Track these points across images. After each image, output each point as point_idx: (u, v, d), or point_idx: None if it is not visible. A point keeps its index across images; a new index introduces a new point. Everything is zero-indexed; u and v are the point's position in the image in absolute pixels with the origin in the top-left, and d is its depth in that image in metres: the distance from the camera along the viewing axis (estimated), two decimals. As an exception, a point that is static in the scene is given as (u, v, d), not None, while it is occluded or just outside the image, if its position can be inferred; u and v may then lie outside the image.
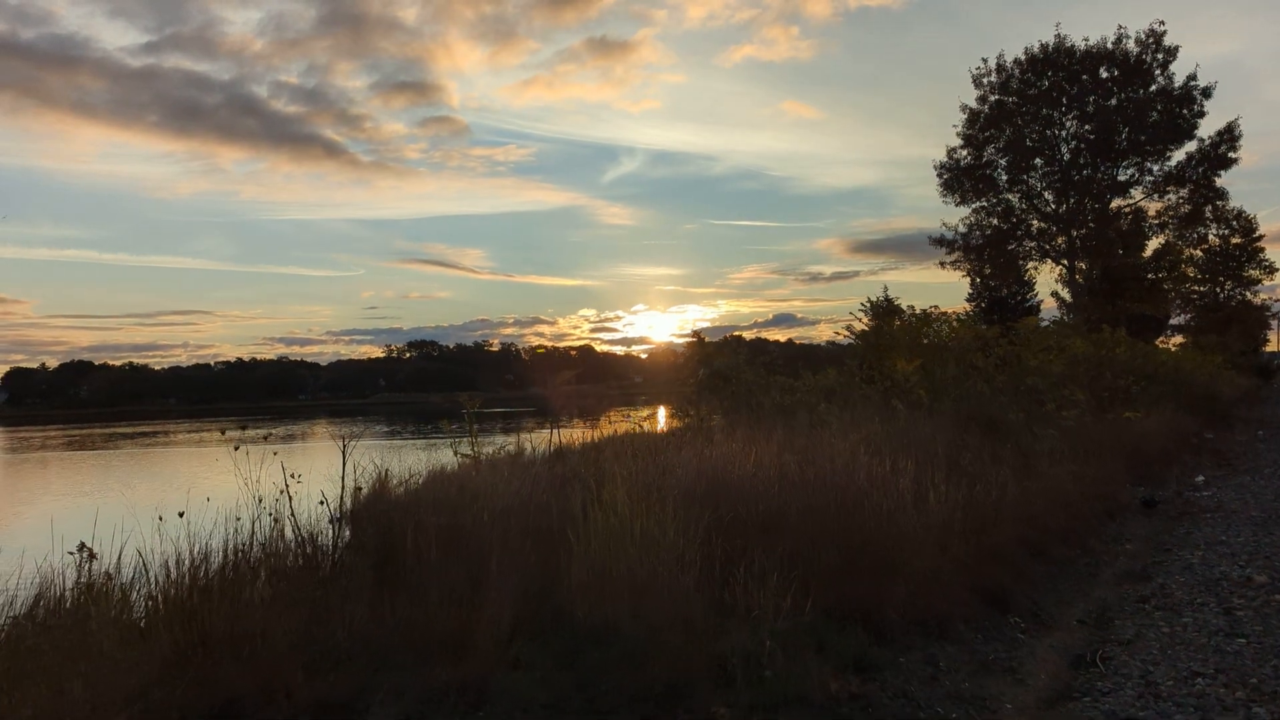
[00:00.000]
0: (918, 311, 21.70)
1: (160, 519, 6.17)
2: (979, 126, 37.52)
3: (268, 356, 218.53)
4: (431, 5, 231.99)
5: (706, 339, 11.34)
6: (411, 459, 12.54)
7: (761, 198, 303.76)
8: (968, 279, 42.10)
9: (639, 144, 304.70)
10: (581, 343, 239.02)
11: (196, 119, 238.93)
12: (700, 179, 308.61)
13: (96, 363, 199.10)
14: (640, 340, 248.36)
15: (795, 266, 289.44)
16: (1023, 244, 38.98)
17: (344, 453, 6.08)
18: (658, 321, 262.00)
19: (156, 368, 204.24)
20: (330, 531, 6.06)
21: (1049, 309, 41.97)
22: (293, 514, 6.52)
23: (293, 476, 6.68)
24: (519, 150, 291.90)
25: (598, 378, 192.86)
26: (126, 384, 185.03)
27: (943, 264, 39.65)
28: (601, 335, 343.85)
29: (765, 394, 11.64)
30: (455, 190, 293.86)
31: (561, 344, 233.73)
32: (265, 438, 6.53)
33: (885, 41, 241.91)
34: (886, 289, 21.98)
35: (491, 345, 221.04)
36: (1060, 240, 37.65)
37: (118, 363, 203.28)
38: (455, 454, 11.52)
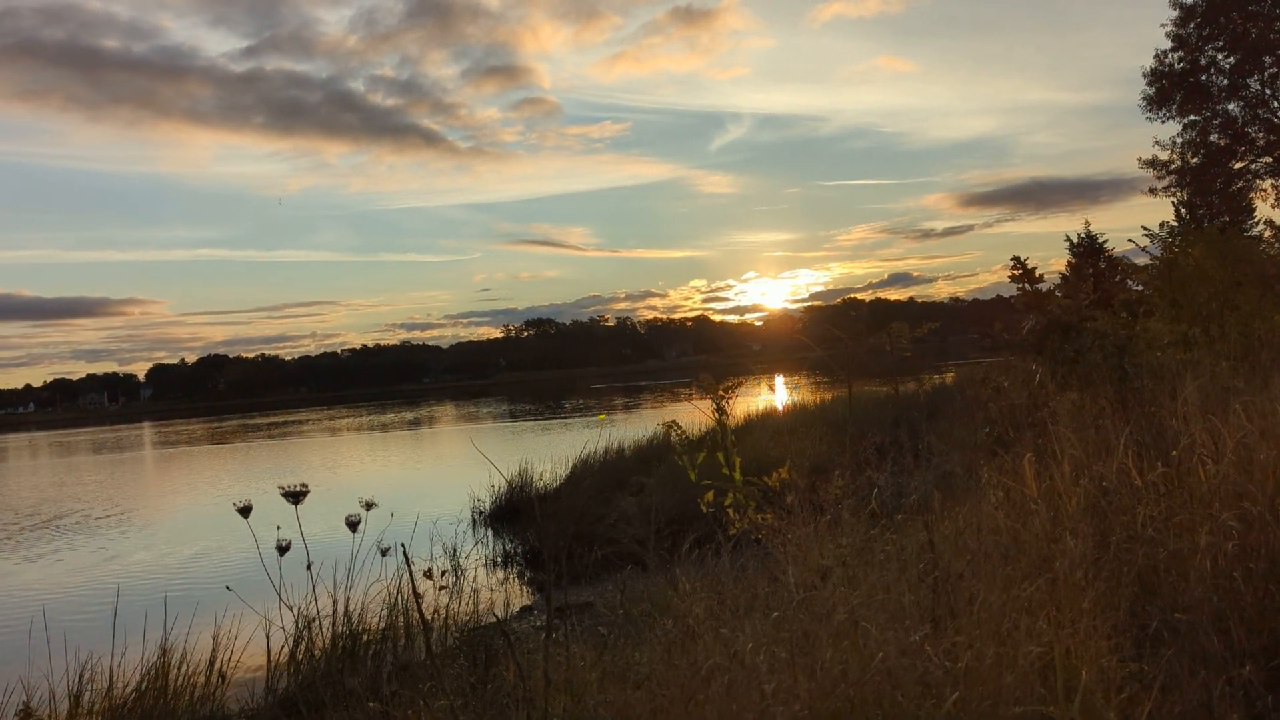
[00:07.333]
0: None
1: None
2: (1196, 23, 31.25)
3: (391, 342, 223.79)
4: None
5: (1037, 269, 7.11)
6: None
7: (868, 156, 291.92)
8: (1174, 210, 35.96)
9: (736, 110, 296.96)
10: (695, 313, 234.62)
11: (299, 117, 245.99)
12: (802, 141, 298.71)
13: (231, 356, 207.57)
14: (754, 309, 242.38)
15: (907, 224, 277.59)
16: (1249, 162, 32.56)
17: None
18: (770, 288, 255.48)
19: (287, 358, 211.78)
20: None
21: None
22: None
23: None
24: (614, 126, 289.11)
25: (714, 348, 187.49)
26: (260, 375, 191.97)
27: (1153, 191, 33.63)
28: (714, 305, 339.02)
29: (1148, 353, 7.34)
30: (554, 170, 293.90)
31: (675, 316, 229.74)
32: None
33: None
34: (1088, 225, 17.33)
35: (606, 320, 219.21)
36: (1311, 152, 31.09)
37: (251, 355, 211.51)
38: (674, 443, 7.57)
